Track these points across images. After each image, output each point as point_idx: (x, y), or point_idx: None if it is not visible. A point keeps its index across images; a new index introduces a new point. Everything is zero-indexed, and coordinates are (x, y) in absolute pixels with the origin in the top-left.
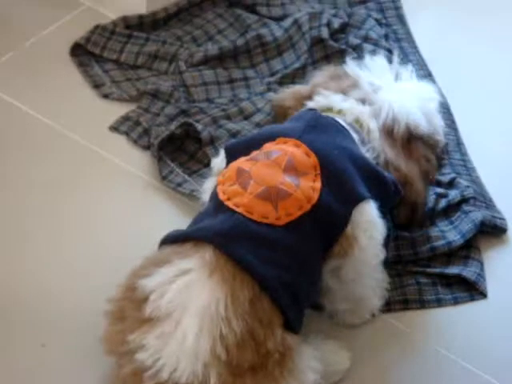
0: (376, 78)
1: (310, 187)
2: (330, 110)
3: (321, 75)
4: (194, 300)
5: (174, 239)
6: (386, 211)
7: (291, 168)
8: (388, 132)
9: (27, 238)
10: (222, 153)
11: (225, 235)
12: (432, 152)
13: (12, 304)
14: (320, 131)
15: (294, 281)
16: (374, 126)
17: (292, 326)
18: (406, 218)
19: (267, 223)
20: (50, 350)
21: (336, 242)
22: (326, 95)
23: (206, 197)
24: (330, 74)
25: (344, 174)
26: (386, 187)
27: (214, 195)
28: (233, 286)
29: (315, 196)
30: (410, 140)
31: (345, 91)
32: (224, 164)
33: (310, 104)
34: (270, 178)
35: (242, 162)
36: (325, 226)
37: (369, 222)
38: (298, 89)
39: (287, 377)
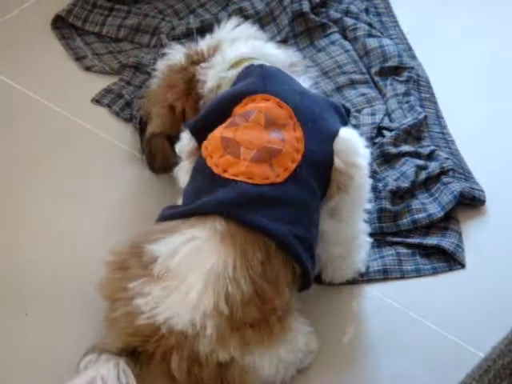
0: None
1: (293, 138)
2: (242, 61)
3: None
4: (203, 262)
5: (178, 217)
6: None
7: (271, 123)
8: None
9: (9, 210)
10: (186, 134)
11: (233, 204)
12: None
13: None
14: (275, 81)
15: (306, 233)
16: (282, 57)
17: (308, 277)
18: None
19: (269, 183)
20: (33, 319)
21: (330, 183)
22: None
23: (181, 182)
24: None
25: (315, 116)
26: (342, 111)
27: (202, 171)
28: (244, 250)
29: (301, 146)
30: None
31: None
32: (193, 143)
33: (210, 77)
34: (256, 139)
35: (222, 131)
36: (317, 171)
37: (352, 144)
38: (169, 102)
39: (282, 336)
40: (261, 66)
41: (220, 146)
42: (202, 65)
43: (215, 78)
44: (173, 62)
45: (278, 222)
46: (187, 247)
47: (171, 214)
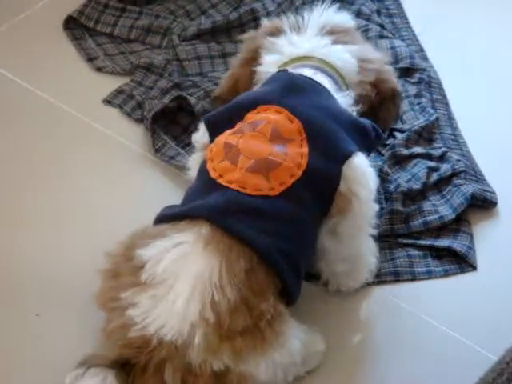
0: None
1: (297, 153)
2: (296, 59)
3: (249, 41)
4: (189, 268)
5: (170, 218)
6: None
7: (277, 136)
8: (344, 36)
9: (20, 210)
10: (202, 126)
11: (220, 211)
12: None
13: (5, 275)
14: (297, 93)
15: (293, 249)
16: (337, 50)
17: (291, 292)
18: (392, 116)
19: (262, 195)
20: (44, 320)
21: (332, 202)
22: (277, 49)
23: (192, 173)
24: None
25: (328, 134)
26: (368, 135)
27: (203, 173)
28: (228, 257)
29: (304, 162)
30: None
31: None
32: (207, 137)
33: (267, 62)
34: (258, 150)
35: (228, 136)
36: (318, 190)
37: (359, 174)
38: (234, 70)
39: (275, 341)
40: (289, 74)
41: (222, 150)
42: (270, 39)
43: (268, 64)
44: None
45: (263, 235)
46: (173, 253)
47: (165, 215)
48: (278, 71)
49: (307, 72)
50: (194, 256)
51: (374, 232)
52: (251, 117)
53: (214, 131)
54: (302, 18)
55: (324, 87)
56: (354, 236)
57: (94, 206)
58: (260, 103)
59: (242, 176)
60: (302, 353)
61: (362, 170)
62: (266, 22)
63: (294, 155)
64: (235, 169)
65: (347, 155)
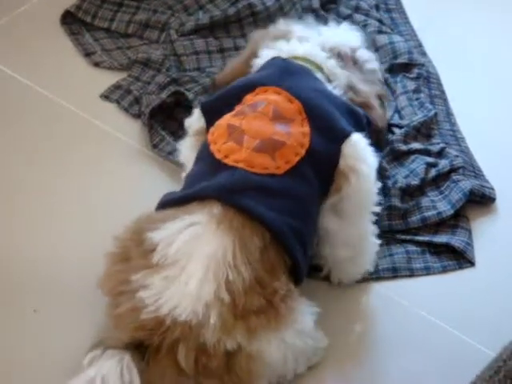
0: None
1: (300, 133)
2: (292, 57)
3: (255, 37)
4: (201, 248)
5: (176, 202)
6: None
7: (278, 116)
8: (339, 60)
9: (18, 204)
10: (197, 112)
11: (230, 190)
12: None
13: (5, 269)
14: (294, 76)
15: (301, 226)
16: (331, 63)
17: (299, 271)
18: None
19: (269, 173)
20: (42, 316)
21: (332, 182)
22: (276, 47)
23: (182, 157)
24: (263, 35)
25: (327, 114)
26: (360, 120)
27: (206, 156)
28: (242, 235)
29: (306, 141)
30: (356, 65)
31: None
32: (202, 123)
33: (264, 55)
34: (262, 130)
35: (230, 119)
36: (319, 168)
37: (360, 151)
38: (236, 60)
39: (290, 314)
40: (284, 60)
41: (225, 132)
42: (274, 40)
43: (265, 57)
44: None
45: (274, 212)
46: (185, 233)
47: (170, 200)
48: (273, 58)
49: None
50: (206, 236)
51: (378, 209)
52: (250, 98)
53: (212, 116)
54: (315, 29)
55: (316, 75)
56: (356, 214)
57: (91, 201)
58: (258, 85)
59: (249, 155)
60: (308, 342)
61: (361, 146)
62: (280, 23)
63: (297, 134)
64: (241, 149)
65: (346, 135)
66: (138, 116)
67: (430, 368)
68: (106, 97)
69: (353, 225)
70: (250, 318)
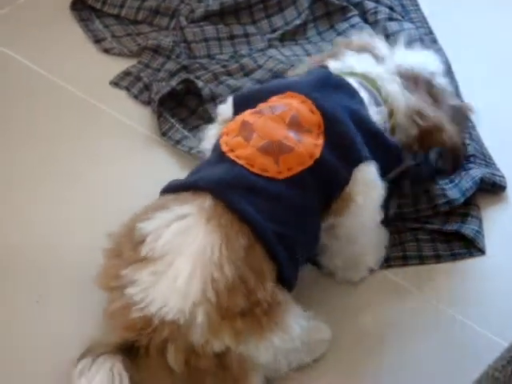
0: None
1: (312, 143)
2: (350, 74)
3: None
4: (189, 243)
5: (174, 189)
6: (385, 174)
7: (295, 124)
8: (411, 84)
9: (25, 191)
10: (230, 100)
11: (224, 185)
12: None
13: (6, 257)
14: (328, 89)
15: (289, 234)
16: (392, 87)
17: (286, 278)
18: (453, 166)
19: (267, 176)
20: (45, 304)
21: (334, 200)
22: (343, 60)
23: (206, 144)
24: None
25: (347, 134)
26: (388, 151)
27: (217, 146)
28: (229, 233)
29: (317, 152)
30: (431, 91)
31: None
32: (230, 113)
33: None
34: (273, 131)
35: (247, 115)
36: (325, 184)
37: (368, 182)
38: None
39: (274, 327)
40: (328, 72)
41: (238, 127)
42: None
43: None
44: None
45: (263, 214)
46: (174, 226)
47: (171, 186)
48: (320, 66)
49: (351, 81)
50: (195, 230)
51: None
52: (275, 100)
53: (239, 109)
54: (390, 50)
55: (358, 93)
56: (350, 239)
57: (100, 187)
58: (290, 90)
59: (252, 154)
60: (304, 339)
61: (368, 178)
62: (365, 36)
63: (308, 144)
64: (247, 145)
65: (360, 160)
66: (147, 103)
67: (441, 357)
68: (115, 84)
69: (347, 245)
70: (235, 320)
